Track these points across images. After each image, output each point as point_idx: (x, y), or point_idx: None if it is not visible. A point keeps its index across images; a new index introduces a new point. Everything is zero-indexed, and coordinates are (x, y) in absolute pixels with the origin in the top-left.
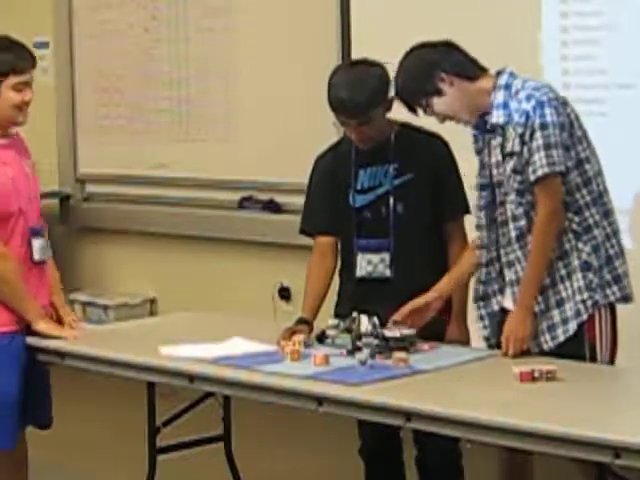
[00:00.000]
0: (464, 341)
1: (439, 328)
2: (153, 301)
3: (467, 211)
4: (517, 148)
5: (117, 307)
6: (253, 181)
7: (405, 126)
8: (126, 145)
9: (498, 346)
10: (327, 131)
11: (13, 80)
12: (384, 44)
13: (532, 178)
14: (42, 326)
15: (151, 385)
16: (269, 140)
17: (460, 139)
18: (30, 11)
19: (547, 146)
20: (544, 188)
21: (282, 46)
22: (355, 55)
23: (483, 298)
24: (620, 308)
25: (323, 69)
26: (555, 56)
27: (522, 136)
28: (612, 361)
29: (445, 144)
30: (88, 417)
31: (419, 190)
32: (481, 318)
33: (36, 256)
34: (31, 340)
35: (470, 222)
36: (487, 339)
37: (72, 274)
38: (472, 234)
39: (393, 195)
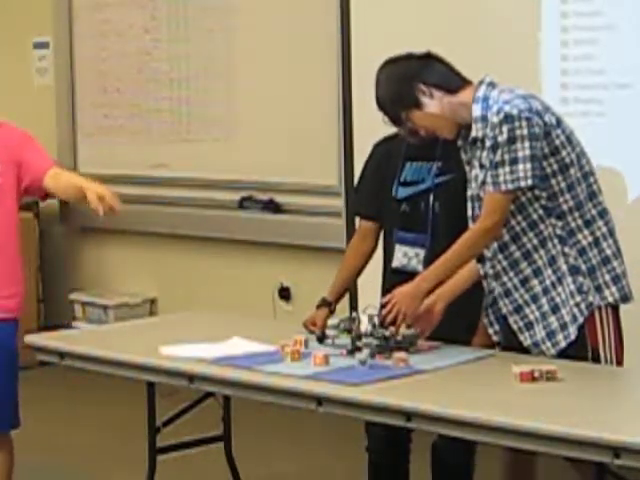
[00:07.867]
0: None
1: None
2: (153, 301)
3: None
4: (485, 161)
5: (117, 307)
6: (253, 181)
7: None
8: (126, 145)
9: (505, 348)
10: (327, 131)
11: None
12: (384, 44)
13: (491, 189)
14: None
15: (151, 385)
16: (269, 140)
17: None
18: (30, 11)
19: (512, 161)
20: (498, 201)
21: (282, 46)
22: (354, 55)
23: (492, 305)
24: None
25: (323, 69)
26: (555, 56)
27: (492, 149)
28: (619, 362)
29: None
30: (88, 417)
31: (457, 192)
32: (491, 324)
33: None
34: (31, 339)
35: None
36: (499, 343)
37: (72, 274)
38: None
39: (433, 193)
